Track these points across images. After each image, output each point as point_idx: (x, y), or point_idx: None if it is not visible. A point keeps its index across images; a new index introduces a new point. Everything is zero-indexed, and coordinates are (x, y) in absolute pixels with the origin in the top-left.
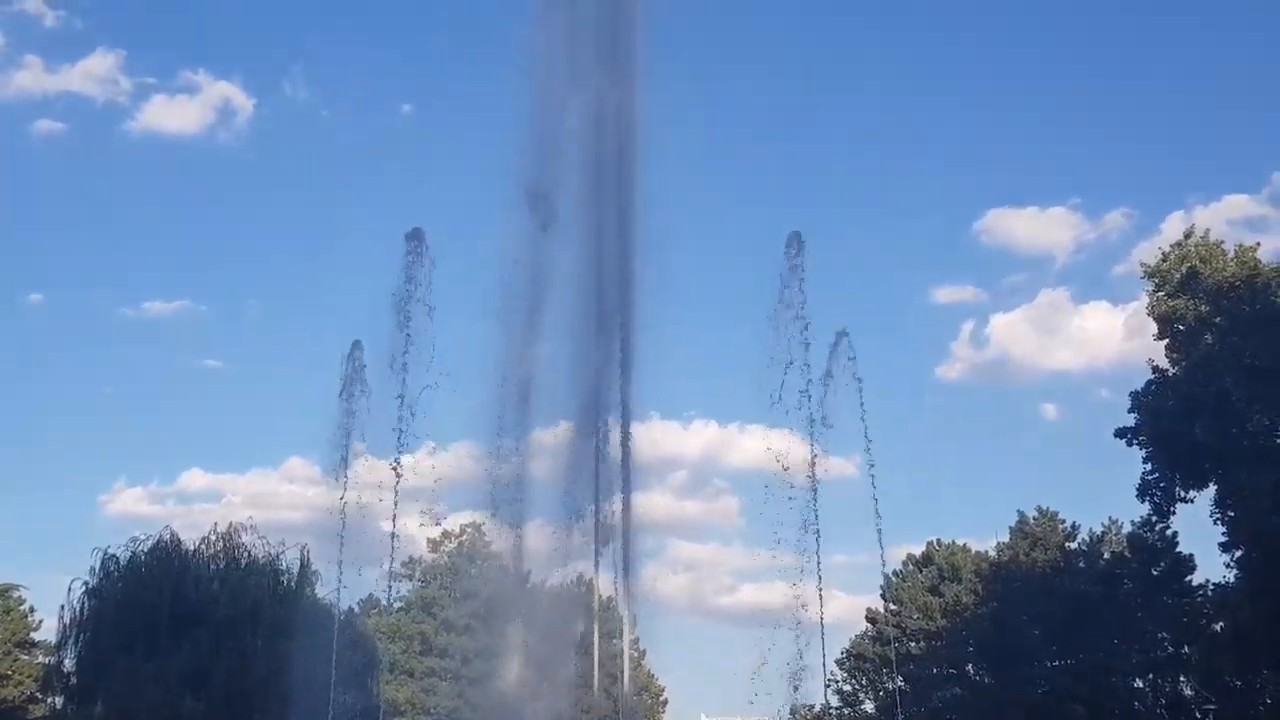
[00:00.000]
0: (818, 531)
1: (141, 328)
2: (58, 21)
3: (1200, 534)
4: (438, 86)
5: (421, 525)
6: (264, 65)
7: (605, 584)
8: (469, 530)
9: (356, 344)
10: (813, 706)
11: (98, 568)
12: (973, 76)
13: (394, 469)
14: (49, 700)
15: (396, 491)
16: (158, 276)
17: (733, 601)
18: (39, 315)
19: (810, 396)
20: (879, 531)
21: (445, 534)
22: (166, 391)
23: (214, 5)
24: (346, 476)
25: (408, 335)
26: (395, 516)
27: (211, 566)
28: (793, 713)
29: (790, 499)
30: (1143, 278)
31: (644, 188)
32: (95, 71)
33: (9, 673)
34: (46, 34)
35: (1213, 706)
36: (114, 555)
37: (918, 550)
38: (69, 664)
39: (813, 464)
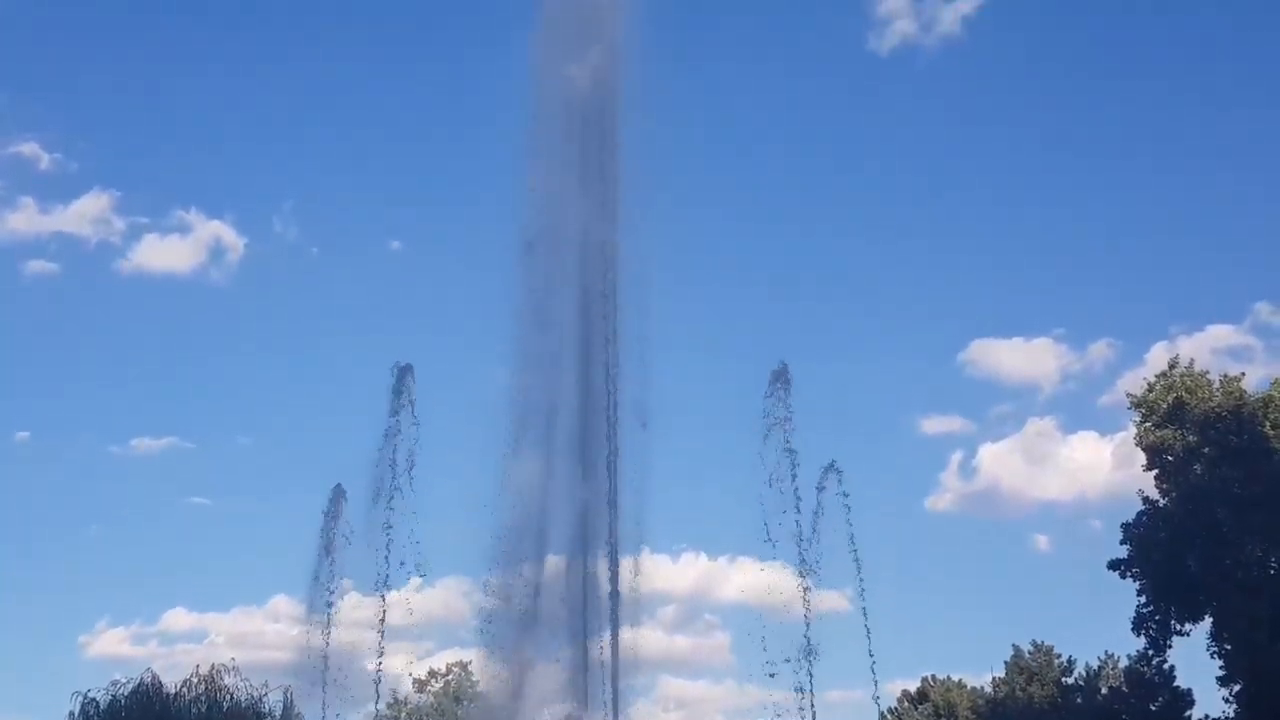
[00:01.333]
0: (810, 670)
1: (129, 465)
2: (53, 164)
3: (1198, 667)
4: (427, 224)
5: (411, 666)
6: (255, 204)
7: None
8: (455, 670)
9: (338, 489)
10: None
11: (77, 712)
12: (953, 210)
13: (380, 608)
14: None
15: (382, 633)
16: (146, 413)
17: None
18: (26, 453)
19: (800, 530)
20: (873, 668)
21: (431, 673)
22: (152, 530)
23: (207, 145)
24: (329, 626)
25: (393, 470)
26: (381, 654)
27: (193, 710)
28: None
29: (782, 635)
30: (1129, 408)
31: (631, 323)
32: (89, 212)
33: None
34: (41, 176)
35: None
36: (94, 699)
37: (913, 686)
38: None
39: (805, 599)
